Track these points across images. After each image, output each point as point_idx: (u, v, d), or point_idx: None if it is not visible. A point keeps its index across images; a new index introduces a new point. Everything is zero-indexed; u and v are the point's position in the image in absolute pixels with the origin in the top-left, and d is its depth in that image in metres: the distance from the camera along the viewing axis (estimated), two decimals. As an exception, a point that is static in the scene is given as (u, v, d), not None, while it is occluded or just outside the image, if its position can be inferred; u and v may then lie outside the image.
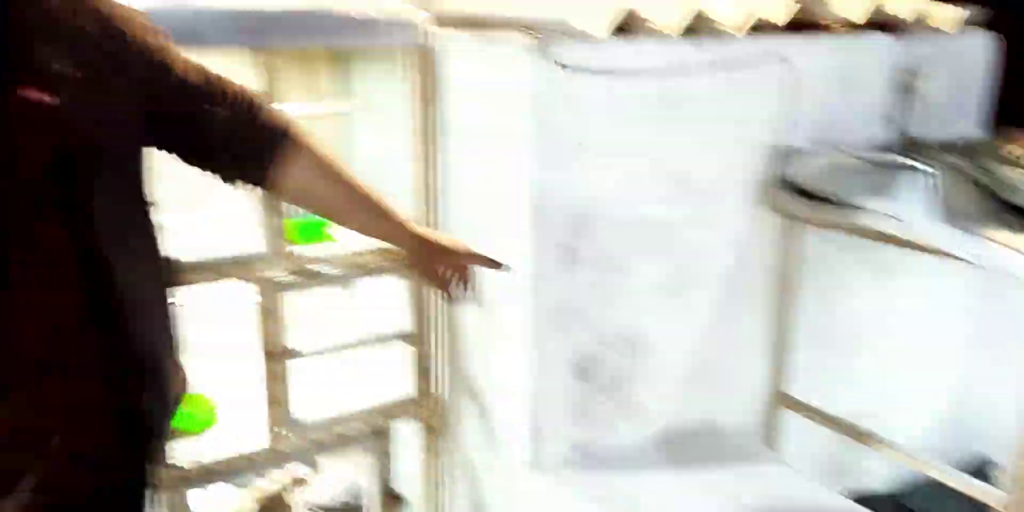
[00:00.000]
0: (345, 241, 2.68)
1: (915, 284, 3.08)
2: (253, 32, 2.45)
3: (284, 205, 2.50)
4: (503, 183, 2.43)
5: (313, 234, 2.68)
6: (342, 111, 3.28)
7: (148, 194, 1.45)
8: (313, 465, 3.20)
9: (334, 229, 2.69)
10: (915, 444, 2.88)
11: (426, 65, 2.56)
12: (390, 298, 2.80)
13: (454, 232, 2.63)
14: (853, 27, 2.80)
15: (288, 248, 2.55)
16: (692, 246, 2.63)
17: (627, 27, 2.37)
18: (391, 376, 2.84)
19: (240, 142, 1.55)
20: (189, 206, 2.97)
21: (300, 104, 2.82)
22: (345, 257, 2.64)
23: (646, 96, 2.42)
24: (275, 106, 1.68)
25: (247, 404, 2.60)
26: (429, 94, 2.57)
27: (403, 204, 2.84)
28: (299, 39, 2.52)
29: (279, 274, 2.56)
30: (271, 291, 2.55)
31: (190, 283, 2.43)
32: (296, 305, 2.62)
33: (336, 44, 2.80)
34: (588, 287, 2.50)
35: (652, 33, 2.39)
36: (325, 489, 3.17)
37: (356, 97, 3.28)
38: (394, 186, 2.97)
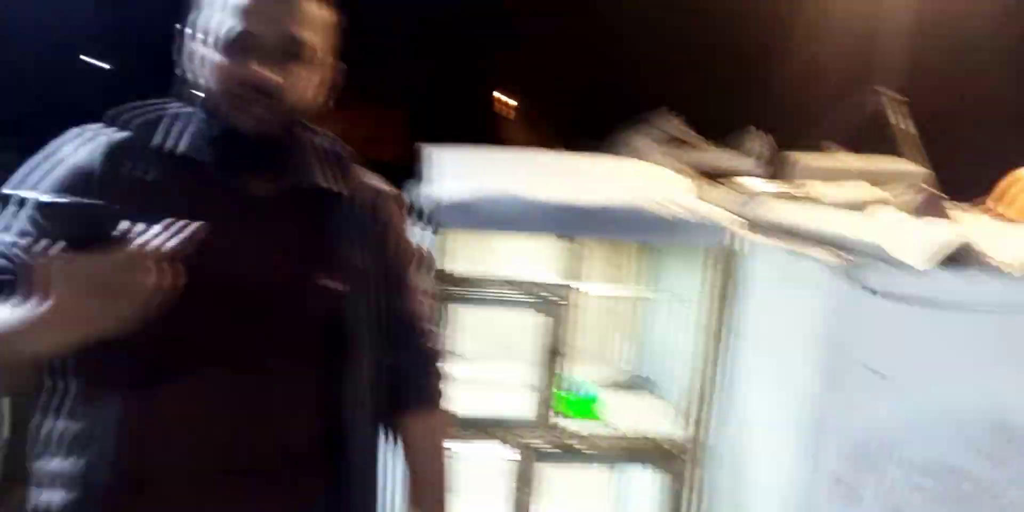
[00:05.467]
0: (612, 422, 2.53)
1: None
2: (565, 223, 2.41)
3: (558, 375, 2.39)
4: (782, 397, 2.24)
5: (582, 410, 2.55)
6: (640, 295, 3.20)
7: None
8: None
9: (602, 408, 2.56)
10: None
11: (727, 267, 2.47)
12: (647, 488, 2.62)
13: (723, 435, 2.44)
14: None
15: (554, 420, 2.43)
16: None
17: (958, 258, 2.07)
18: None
19: (407, 367, 1.52)
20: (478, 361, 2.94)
21: (600, 284, 2.75)
22: (608, 439, 2.48)
23: (974, 332, 2.07)
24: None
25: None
26: (725, 294, 2.45)
27: (681, 391, 2.70)
28: (607, 232, 2.45)
29: (540, 443, 2.44)
30: (529, 458, 2.43)
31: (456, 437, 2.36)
32: (553, 477, 2.49)
33: (642, 240, 2.71)
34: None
35: (988, 268, 2.08)
36: None
37: (655, 282, 3.20)
38: (676, 373, 2.85)
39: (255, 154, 1.31)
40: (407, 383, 1.51)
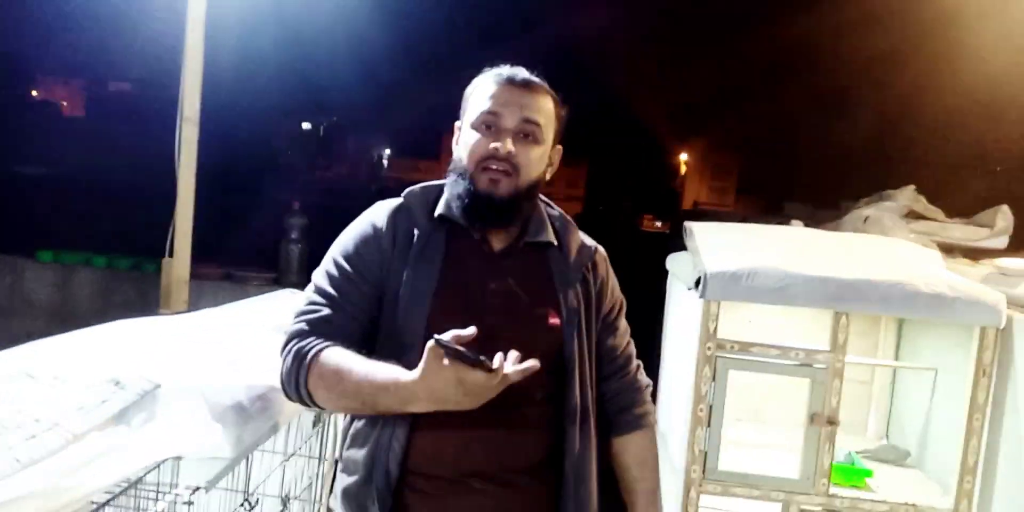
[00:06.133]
0: (883, 493, 2.61)
1: None
2: (833, 298, 2.54)
3: (831, 444, 2.50)
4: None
5: (854, 481, 2.64)
6: (901, 367, 3.30)
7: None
8: None
9: (874, 480, 2.65)
10: None
11: (995, 343, 2.50)
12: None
13: (990, 507, 2.48)
14: None
15: (825, 484, 2.53)
16: None
17: None
18: None
19: (617, 397, 1.81)
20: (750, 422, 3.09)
21: (860, 356, 2.85)
22: (877, 503, 2.57)
23: None
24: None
25: None
26: (990, 371, 2.49)
27: (941, 462, 2.77)
28: (874, 306, 2.56)
29: (811, 506, 2.55)
30: (794, 519, 2.54)
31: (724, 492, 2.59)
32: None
33: (909, 315, 2.79)
34: None
35: None
36: None
37: (909, 356, 3.29)
38: (935, 444, 2.91)
39: (495, 212, 1.64)
40: (618, 412, 1.80)
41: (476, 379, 1.34)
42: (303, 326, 1.60)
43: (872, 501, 2.58)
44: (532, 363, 1.37)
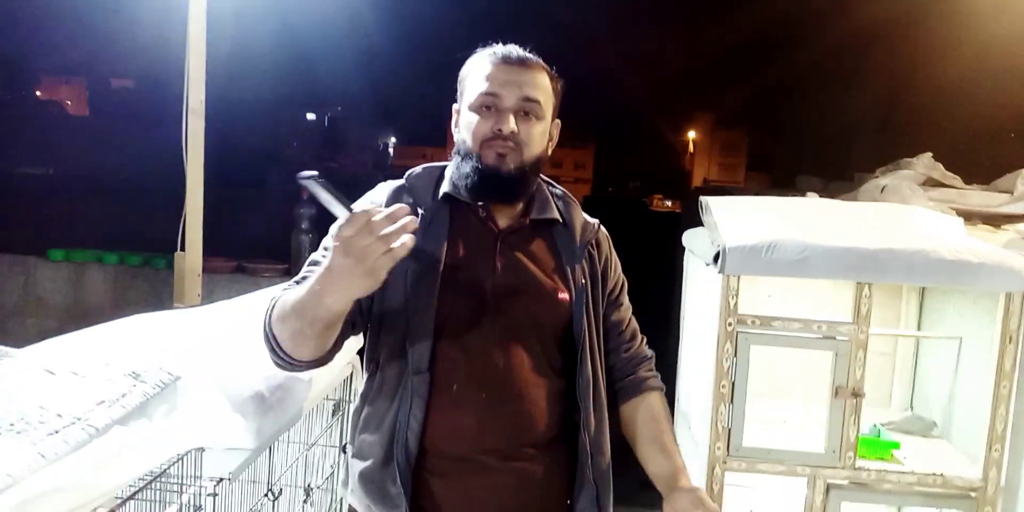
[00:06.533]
0: (911, 465, 2.60)
1: None
2: (855, 268, 2.51)
3: (856, 416, 2.49)
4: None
5: (881, 453, 2.63)
6: (916, 335, 3.28)
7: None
8: None
9: (900, 452, 2.64)
10: None
11: (1020, 310, 2.48)
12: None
13: (1019, 476, 2.47)
14: None
15: (851, 457, 2.52)
16: None
17: None
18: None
19: (623, 369, 1.82)
20: (773, 398, 3.09)
21: (883, 327, 2.84)
22: (903, 474, 2.55)
23: None
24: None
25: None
26: (1016, 337, 2.46)
27: (968, 432, 2.75)
28: (896, 276, 2.54)
29: (837, 479, 2.54)
30: (822, 491, 2.53)
31: (749, 468, 2.59)
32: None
33: (933, 284, 2.77)
34: None
35: None
36: None
37: (932, 325, 3.27)
38: (960, 414, 2.89)
39: (503, 187, 1.66)
40: (624, 378, 1.80)
41: (344, 231, 1.29)
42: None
43: (899, 473, 2.57)
44: (407, 217, 1.31)
